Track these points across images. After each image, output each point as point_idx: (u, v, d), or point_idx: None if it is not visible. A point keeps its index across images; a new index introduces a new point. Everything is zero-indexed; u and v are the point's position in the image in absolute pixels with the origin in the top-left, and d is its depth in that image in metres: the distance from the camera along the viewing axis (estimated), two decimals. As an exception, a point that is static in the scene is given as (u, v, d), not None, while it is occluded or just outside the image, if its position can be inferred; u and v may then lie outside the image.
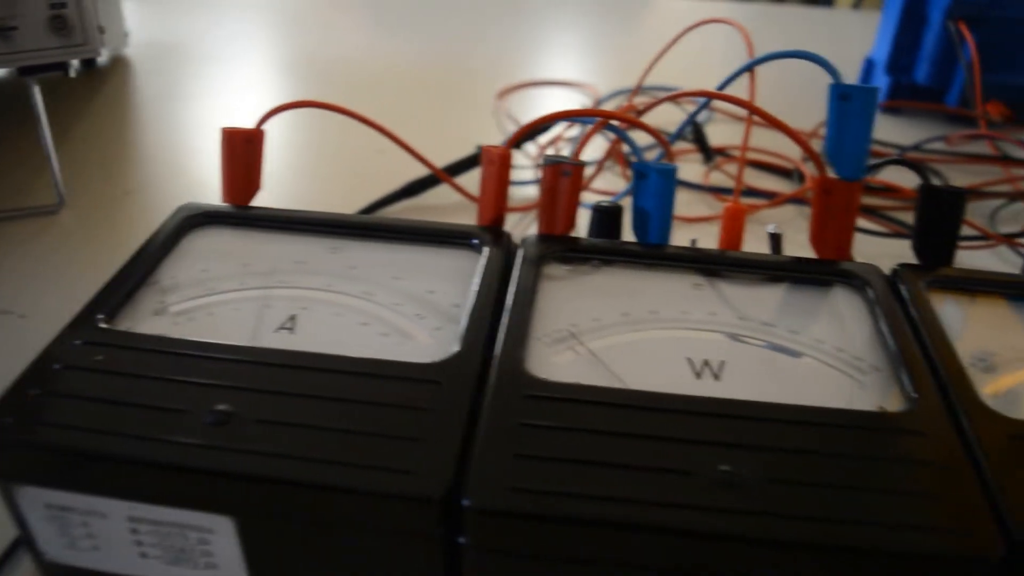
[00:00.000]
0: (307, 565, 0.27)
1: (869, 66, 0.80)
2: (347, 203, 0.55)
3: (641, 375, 0.30)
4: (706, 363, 0.31)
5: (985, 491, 0.25)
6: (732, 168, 0.64)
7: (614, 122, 0.39)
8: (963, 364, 0.30)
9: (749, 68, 0.39)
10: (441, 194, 0.57)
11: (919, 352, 0.31)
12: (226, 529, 0.27)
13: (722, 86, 0.40)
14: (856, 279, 0.35)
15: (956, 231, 0.37)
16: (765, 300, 0.34)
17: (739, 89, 0.38)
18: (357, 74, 0.83)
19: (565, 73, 0.84)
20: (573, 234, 0.38)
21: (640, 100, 0.74)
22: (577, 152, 0.38)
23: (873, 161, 0.40)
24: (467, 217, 0.40)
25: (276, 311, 0.33)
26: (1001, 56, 0.73)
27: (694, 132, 0.65)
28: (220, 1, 1.05)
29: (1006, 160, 0.66)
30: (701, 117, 0.74)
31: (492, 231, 0.37)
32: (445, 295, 0.34)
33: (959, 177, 0.64)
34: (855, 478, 0.25)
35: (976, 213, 0.60)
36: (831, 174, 0.37)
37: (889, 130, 0.73)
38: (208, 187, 0.58)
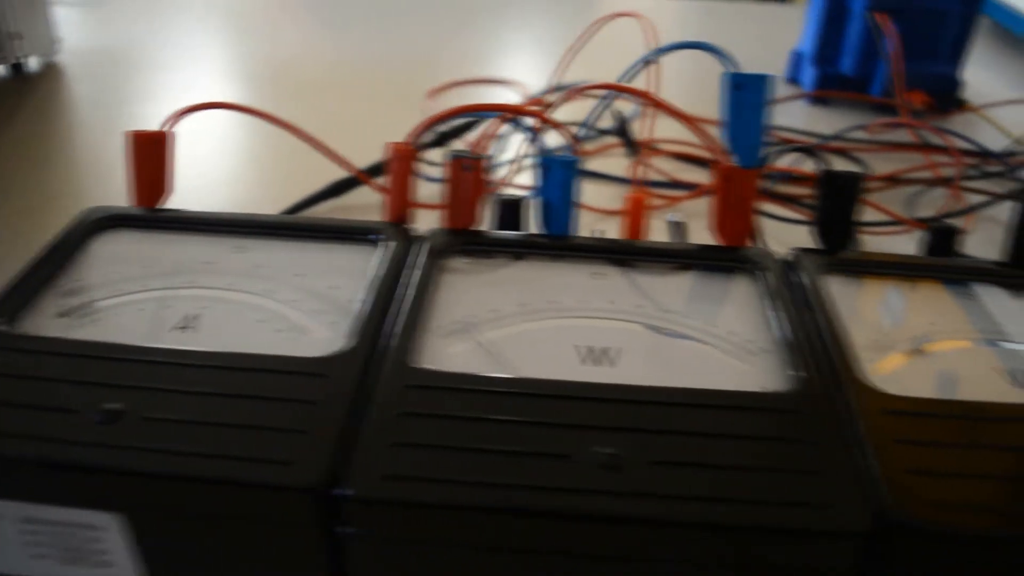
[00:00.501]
0: (199, 559, 0.28)
1: (797, 58, 0.82)
2: (275, 204, 0.55)
3: (534, 363, 0.30)
4: (600, 350, 0.31)
5: (857, 467, 0.26)
6: (658, 161, 0.65)
7: (531, 121, 0.40)
8: (851, 344, 0.31)
9: (647, 61, 0.40)
10: (366, 193, 0.57)
11: (806, 334, 0.32)
12: (116, 526, 0.27)
13: (623, 78, 0.41)
14: (752, 265, 0.36)
15: (854, 215, 0.38)
16: (662, 287, 0.35)
17: (676, 82, 0.38)
18: (297, 76, 0.83)
19: (511, 71, 0.85)
20: (480, 227, 0.38)
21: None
22: (476, 146, 0.38)
23: (775, 148, 0.41)
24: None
25: (176, 311, 0.33)
26: (922, 46, 0.74)
27: (618, 126, 0.66)
28: (160, 7, 1.05)
29: (925, 147, 0.67)
30: (629, 112, 0.74)
31: (396, 227, 0.38)
32: (346, 291, 0.34)
33: (881, 164, 0.65)
34: (733, 457, 0.26)
35: (896, 199, 0.61)
36: (731, 162, 0.38)
37: (817, 120, 0.74)
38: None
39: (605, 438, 0.26)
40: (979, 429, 0.28)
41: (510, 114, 0.39)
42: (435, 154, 0.58)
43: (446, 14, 1.05)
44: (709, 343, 0.32)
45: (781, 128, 0.70)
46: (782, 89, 0.81)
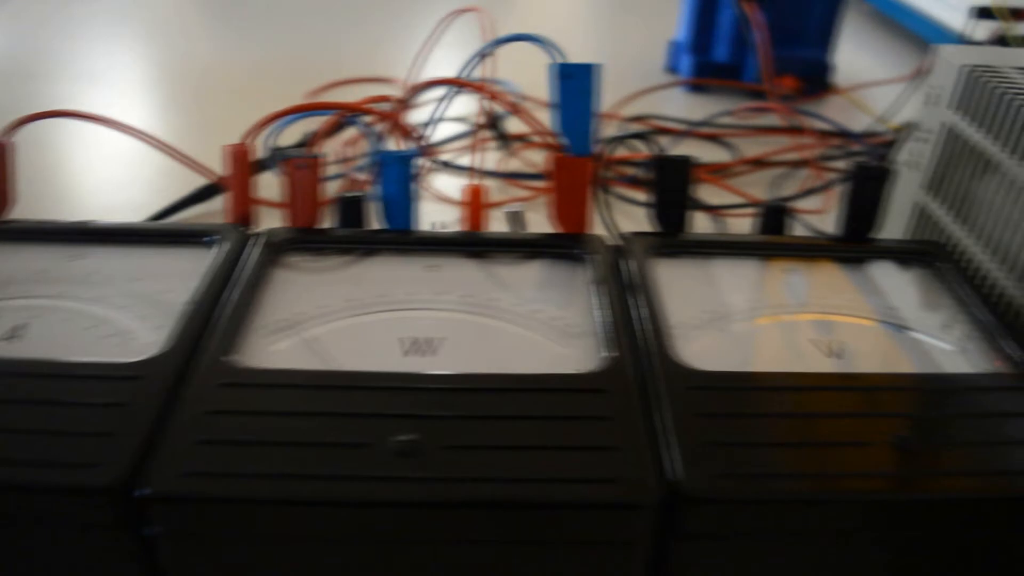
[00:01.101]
0: (12, 568, 0.27)
1: (675, 48, 0.83)
2: (142, 211, 0.55)
3: (357, 357, 0.31)
4: (424, 341, 0.32)
5: (655, 441, 0.27)
6: (530, 154, 0.65)
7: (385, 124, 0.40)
8: (666, 324, 0.32)
9: (483, 54, 0.40)
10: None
11: (626, 316, 0.32)
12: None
13: (462, 73, 0.41)
14: (583, 251, 0.37)
15: (687, 197, 0.39)
16: (494, 276, 0.36)
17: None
18: (186, 81, 0.82)
19: (400, 70, 0.84)
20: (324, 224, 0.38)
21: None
22: (312, 144, 0.39)
23: (615, 135, 0.42)
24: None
25: (4, 322, 0.33)
26: (791, 32, 0.76)
27: (490, 120, 0.66)
28: (45, 12, 1.02)
29: (790, 130, 0.69)
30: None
31: (234, 228, 0.38)
32: (179, 294, 0.34)
33: (751, 148, 0.67)
34: (535, 438, 0.26)
35: (762, 181, 0.62)
36: (565, 151, 0.38)
37: (693, 107, 0.76)
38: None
39: (408, 426, 0.26)
40: (778, 399, 0.29)
41: (348, 112, 0.39)
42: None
43: (341, 13, 1.05)
44: (532, 329, 0.33)
45: (656, 116, 0.71)
46: (662, 78, 0.83)
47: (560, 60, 0.37)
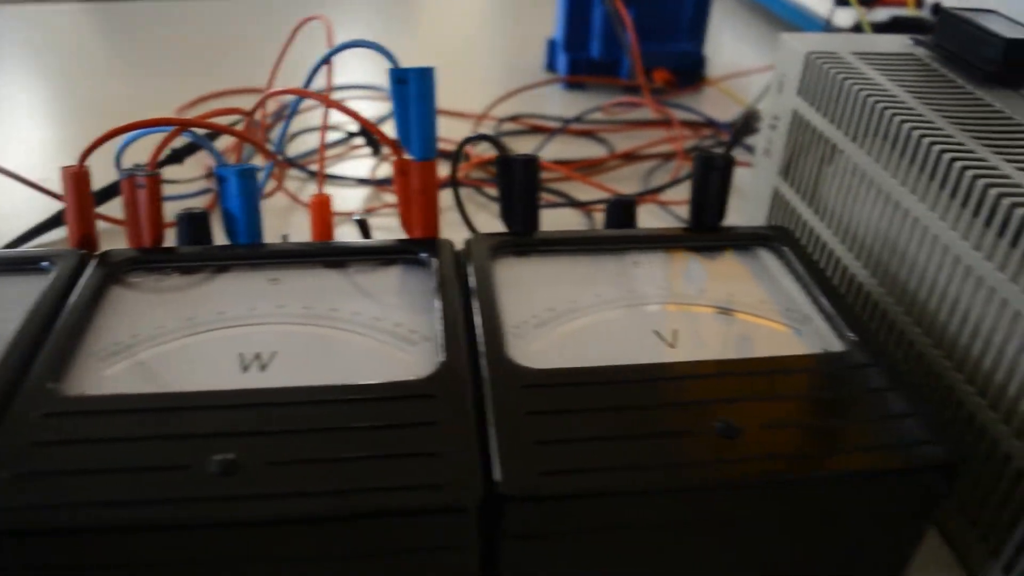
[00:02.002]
0: None
1: (552, 46, 0.83)
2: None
3: (192, 377, 0.30)
4: (262, 356, 0.31)
5: (483, 444, 0.27)
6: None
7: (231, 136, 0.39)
8: (503, 324, 0.32)
9: (324, 62, 0.40)
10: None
11: (464, 318, 0.32)
12: None
13: (306, 83, 0.41)
14: (429, 255, 0.37)
15: (535, 196, 0.39)
16: (337, 286, 0.35)
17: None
18: (47, 104, 0.80)
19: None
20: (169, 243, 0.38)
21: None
22: (152, 162, 0.38)
23: (469, 136, 0.42)
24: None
25: None
26: (662, 26, 0.77)
27: (361, 128, 0.66)
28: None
29: (658, 123, 0.70)
30: (385, 112, 0.75)
31: (72, 252, 0.37)
32: (10, 323, 0.33)
33: (623, 142, 0.68)
34: (358, 448, 0.26)
35: (634, 175, 0.63)
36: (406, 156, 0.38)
37: (570, 105, 0.76)
38: None
39: (228, 444, 0.26)
40: (609, 393, 0.29)
41: (185, 127, 0.38)
42: (188, 171, 0.57)
43: (220, 17, 1.03)
44: (373, 337, 0.32)
45: (531, 115, 0.72)
46: (541, 76, 0.83)
47: (395, 66, 0.37)
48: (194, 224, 0.38)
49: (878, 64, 0.44)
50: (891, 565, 0.31)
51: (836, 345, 0.33)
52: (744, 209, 0.54)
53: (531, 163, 0.39)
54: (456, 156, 0.42)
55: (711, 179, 0.40)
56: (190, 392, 0.28)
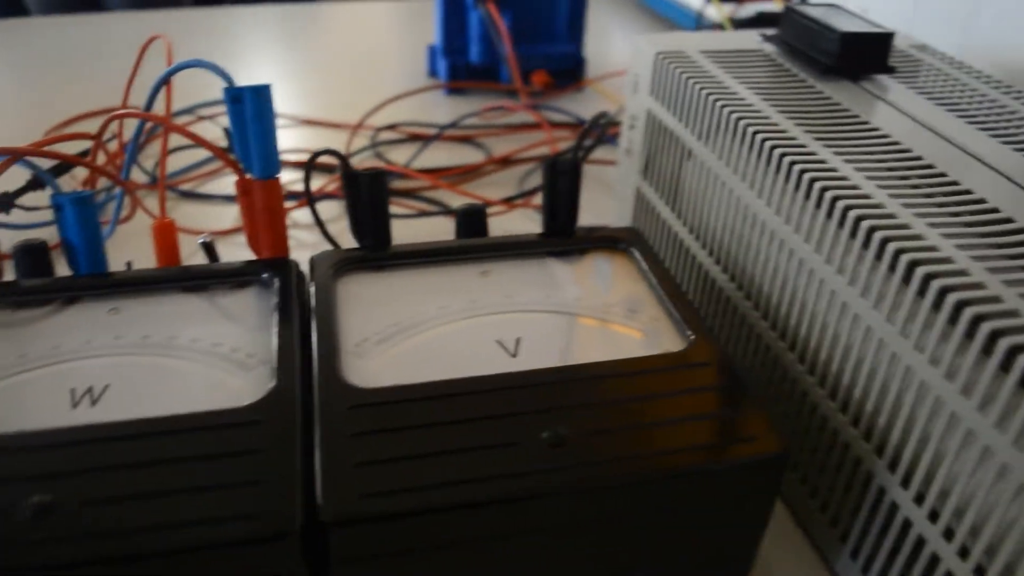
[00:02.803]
0: None
1: (432, 52, 0.83)
2: None
3: (18, 416, 0.29)
4: (89, 390, 0.30)
5: (309, 468, 0.27)
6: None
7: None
8: (339, 345, 0.32)
9: (162, 83, 0.39)
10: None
11: (298, 340, 0.32)
12: None
13: (147, 105, 0.40)
14: (270, 274, 0.36)
15: (383, 210, 0.39)
16: (178, 313, 0.35)
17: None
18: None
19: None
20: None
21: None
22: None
23: (310, 155, 0.41)
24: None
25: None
26: (539, 28, 0.77)
27: (229, 144, 0.65)
28: None
29: (530, 126, 0.70)
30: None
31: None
32: None
33: (501, 146, 0.68)
34: (183, 480, 0.26)
35: (512, 179, 0.63)
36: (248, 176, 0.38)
37: (451, 110, 0.76)
38: None
39: (46, 487, 0.25)
40: (441, 408, 0.29)
41: (19, 156, 0.37)
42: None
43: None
44: (209, 364, 0.32)
45: (411, 123, 0.72)
46: (423, 82, 0.83)
47: (229, 85, 0.37)
48: (32, 256, 0.37)
49: (725, 62, 0.45)
50: (738, 554, 0.32)
51: (678, 345, 0.33)
52: (614, 208, 0.55)
53: (377, 177, 0.39)
54: (307, 170, 0.42)
55: (560, 184, 0.40)
56: (10, 434, 0.28)
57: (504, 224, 0.57)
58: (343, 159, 0.39)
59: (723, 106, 0.40)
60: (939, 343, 0.27)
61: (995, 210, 0.31)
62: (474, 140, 0.69)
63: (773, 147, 0.36)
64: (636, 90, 0.49)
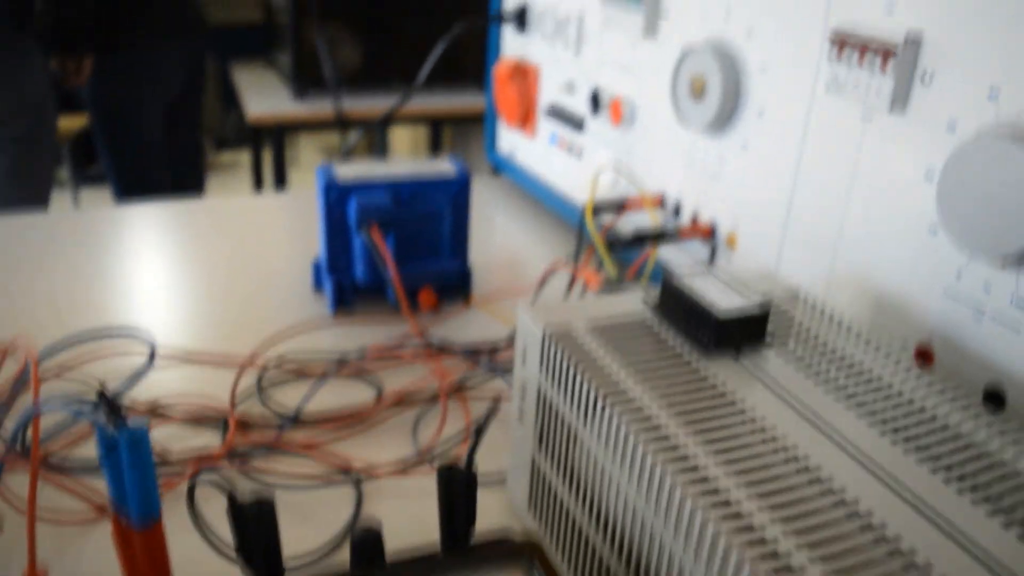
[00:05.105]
0: None
1: (317, 268, 0.83)
2: None
3: None
4: None
5: None
6: (167, 429, 0.62)
7: None
8: None
9: (23, 426, 0.37)
10: None
11: None
12: None
13: (12, 438, 0.38)
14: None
15: (274, 537, 0.37)
16: None
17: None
18: None
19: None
20: None
21: None
22: None
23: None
24: None
25: None
26: (422, 245, 0.78)
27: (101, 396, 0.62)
28: None
29: (420, 355, 0.70)
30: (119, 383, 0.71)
31: None
32: None
33: (392, 379, 0.67)
34: None
35: (405, 423, 0.62)
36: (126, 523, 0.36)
37: (338, 333, 0.75)
38: None
39: None
40: None
41: None
42: None
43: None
44: None
45: (297, 354, 0.70)
46: (310, 298, 0.82)
47: (106, 432, 0.35)
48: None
49: (610, 338, 0.45)
50: None
51: None
52: (511, 470, 0.54)
53: (266, 507, 0.37)
54: (191, 495, 0.40)
55: (455, 494, 0.39)
56: None
57: (401, 486, 0.56)
58: (231, 496, 0.37)
59: (603, 393, 0.40)
60: None
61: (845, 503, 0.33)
62: (364, 375, 0.68)
63: (636, 442, 0.36)
64: (524, 362, 0.49)
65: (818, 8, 0.61)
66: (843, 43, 0.58)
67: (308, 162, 4.32)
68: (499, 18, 1.07)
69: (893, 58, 0.54)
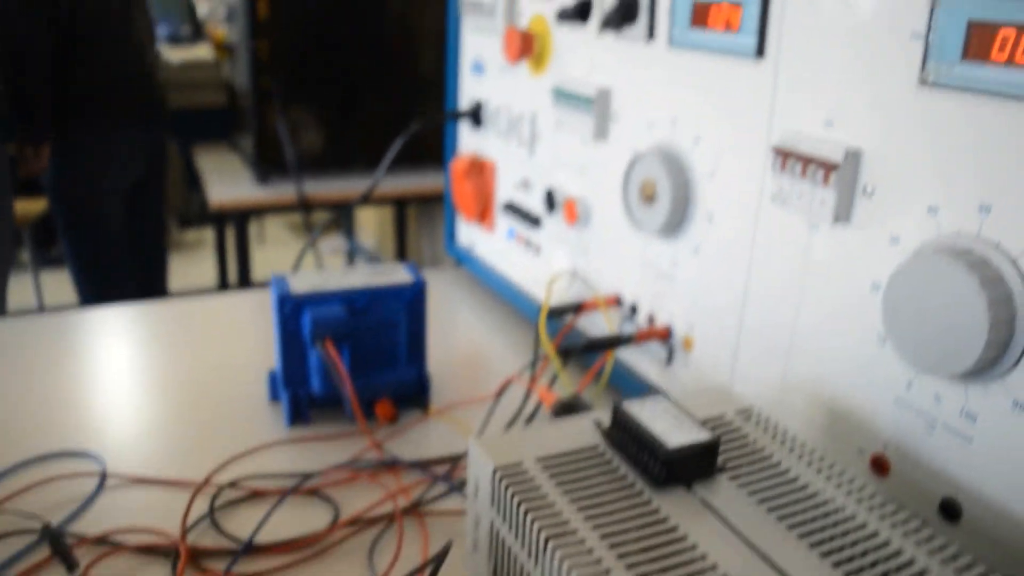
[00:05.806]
0: None
1: (273, 379, 0.82)
2: None
3: None
4: None
5: None
6: (121, 560, 0.60)
7: None
8: None
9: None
10: None
11: None
12: None
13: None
14: None
15: None
16: None
17: None
18: None
19: None
20: None
21: None
22: None
23: None
24: None
25: None
26: (381, 358, 0.77)
27: (52, 539, 0.61)
28: None
29: (377, 472, 0.69)
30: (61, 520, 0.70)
31: None
32: None
33: (349, 497, 0.66)
34: None
35: (361, 547, 0.61)
36: None
37: (295, 452, 0.74)
38: None
39: None
40: None
41: None
42: None
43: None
44: None
45: (252, 476, 0.69)
46: (266, 408, 0.81)
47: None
48: None
49: (560, 473, 0.45)
50: None
51: None
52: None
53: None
54: None
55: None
56: None
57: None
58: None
59: (547, 536, 0.40)
60: None
61: None
62: (320, 493, 0.67)
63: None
64: (477, 495, 0.48)
65: (760, 121, 0.62)
66: (786, 156, 0.58)
67: (274, 238, 4.31)
68: (455, 115, 1.08)
69: (835, 172, 0.55)
